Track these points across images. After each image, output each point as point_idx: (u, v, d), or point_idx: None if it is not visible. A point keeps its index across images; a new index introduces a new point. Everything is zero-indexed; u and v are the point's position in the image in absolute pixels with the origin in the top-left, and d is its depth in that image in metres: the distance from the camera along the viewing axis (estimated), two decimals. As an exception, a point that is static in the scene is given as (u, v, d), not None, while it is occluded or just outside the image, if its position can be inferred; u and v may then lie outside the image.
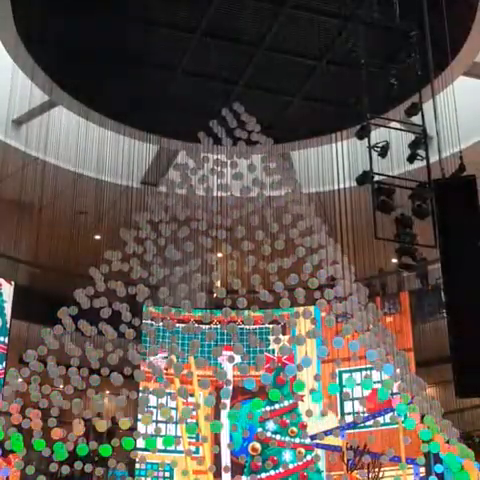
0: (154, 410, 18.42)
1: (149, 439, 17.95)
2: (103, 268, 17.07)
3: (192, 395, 19.95)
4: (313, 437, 20.15)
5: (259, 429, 20.61)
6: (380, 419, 19.56)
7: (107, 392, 19.76)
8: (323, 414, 18.43)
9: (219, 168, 17.49)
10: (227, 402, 18.25)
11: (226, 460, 21.07)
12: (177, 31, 17.51)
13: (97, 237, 22.59)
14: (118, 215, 19.14)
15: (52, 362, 16.74)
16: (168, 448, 19.01)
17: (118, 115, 20.30)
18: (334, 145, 16.14)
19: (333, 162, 16.08)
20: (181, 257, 17.39)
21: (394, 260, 13.26)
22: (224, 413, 19.77)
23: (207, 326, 18.36)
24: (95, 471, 18.31)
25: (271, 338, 18.34)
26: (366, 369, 18.66)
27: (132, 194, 18.97)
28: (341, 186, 16.15)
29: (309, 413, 18.77)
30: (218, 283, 17.77)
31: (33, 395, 16.45)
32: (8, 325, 21.75)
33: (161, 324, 17.43)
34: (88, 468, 18.00)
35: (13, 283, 22.42)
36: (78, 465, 18.05)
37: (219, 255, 17.88)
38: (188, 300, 16.93)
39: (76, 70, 18.32)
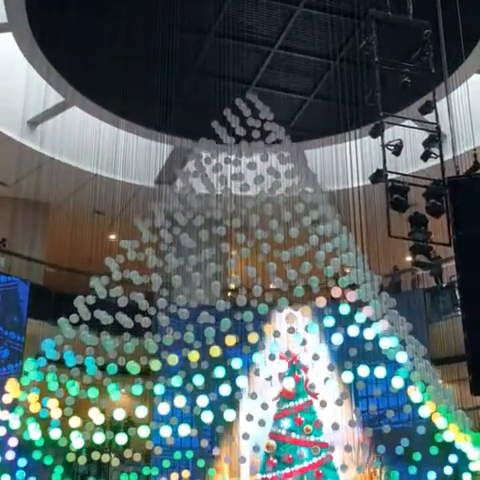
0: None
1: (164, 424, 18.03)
2: (118, 258, 17.22)
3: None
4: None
5: (274, 427, 20.66)
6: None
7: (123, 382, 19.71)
8: (339, 404, 18.45)
9: (233, 157, 17.57)
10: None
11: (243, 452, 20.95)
12: (191, 31, 17.58)
13: (112, 237, 22.69)
14: (132, 215, 19.20)
15: (69, 351, 16.88)
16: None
17: (133, 115, 20.42)
18: (348, 144, 16.14)
19: (347, 161, 16.08)
20: (195, 246, 17.50)
21: (408, 258, 13.25)
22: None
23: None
24: (111, 462, 18.44)
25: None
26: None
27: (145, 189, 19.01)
28: (355, 185, 16.16)
29: (323, 404, 18.81)
30: (232, 273, 17.78)
31: (50, 384, 16.59)
32: (24, 324, 21.84)
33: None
34: (105, 458, 18.23)
35: (29, 282, 22.51)
36: (95, 455, 18.22)
37: (233, 253, 17.90)
38: (202, 289, 17.08)
39: (90, 70, 18.42)
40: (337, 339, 17.23)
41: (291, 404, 20.87)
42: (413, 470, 18.83)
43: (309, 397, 20.82)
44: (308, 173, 18.14)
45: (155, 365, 17.14)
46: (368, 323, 16.97)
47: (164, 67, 18.17)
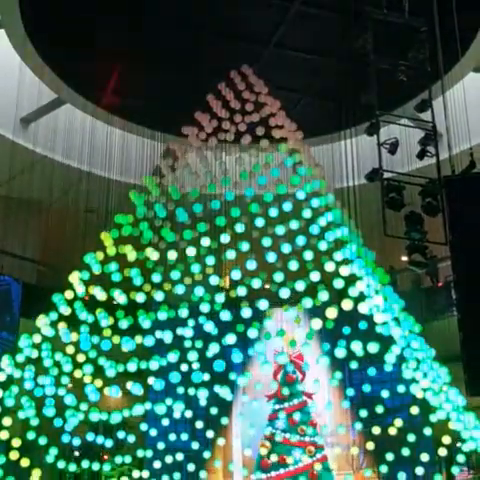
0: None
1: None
2: (113, 233, 17.23)
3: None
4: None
5: (268, 427, 20.61)
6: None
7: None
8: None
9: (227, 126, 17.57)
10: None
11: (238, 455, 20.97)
12: (186, 28, 17.47)
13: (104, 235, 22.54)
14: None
15: (64, 327, 16.82)
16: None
17: (127, 112, 20.32)
18: (343, 142, 16.08)
19: (342, 159, 16.01)
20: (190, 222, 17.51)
21: (404, 258, 13.19)
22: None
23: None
24: (105, 443, 18.38)
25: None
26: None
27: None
28: (350, 184, 16.09)
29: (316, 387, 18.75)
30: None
31: (45, 361, 16.58)
32: (16, 324, 21.71)
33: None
34: (101, 440, 18.13)
35: (21, 282, 22.39)
36: (90, 436, 18.10)
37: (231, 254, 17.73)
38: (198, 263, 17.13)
39: (84, 68, 18.29)
40: (332, 313, 16.77)
41: (285, 404, 20.82)
42: (407, 452, 18.49)
43: (304, 397, 20.78)
44: (303, 146, 18.01)
45: (149, 340, 17.10)
46: (362, 298, 16.67)
47: (158, 65, 18.16)
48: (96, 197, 19.93)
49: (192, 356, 17.28)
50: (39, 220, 23.66)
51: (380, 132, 12.81)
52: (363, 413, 19.35)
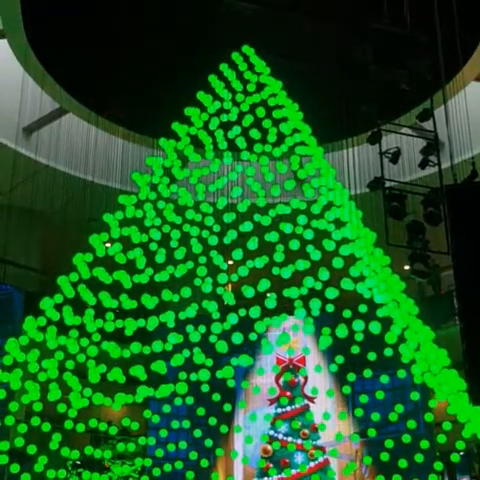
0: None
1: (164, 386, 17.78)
2: (117, 215, 17.27)
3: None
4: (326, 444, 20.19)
5: (270, 431, 20.63)
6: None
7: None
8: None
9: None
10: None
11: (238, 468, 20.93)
12: (188, 35, 17.55)
13: (107, 245, 22.54)
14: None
15: (68, 310, 16.72)
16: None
17: (129, 122, 20.37)
18: (345, 151, 16.11)
19: (344, 168, 16.04)
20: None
21: (407, 267, 13.20)
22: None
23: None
24: (109, 430, 18.21)
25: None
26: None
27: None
28: (352, 192, 16.11)
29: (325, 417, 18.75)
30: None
31: (50, 343, 16.44)
32: (18, 332, 21.71)
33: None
34: (103, 427, 17.91)
35: (23, 291, 22.41)
36: (93, 423, 17.83)
37: (230, 262, 17.72)
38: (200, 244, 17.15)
39: (86, 77, 18.37)
40: (332, 294, 16.52)
41: (287, 408, 20.85)
42: (407, 439, 17.79)
43: (306, 401, 20.79)
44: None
45: (152, 324, 17.02)
46: (361, 278, 16.55)
47: (159, 74, 18.20)
48: (98, 206, 19.99)
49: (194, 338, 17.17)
50: (41, 229, 23.70)
51: (382, 141, 12.84)
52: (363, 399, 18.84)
